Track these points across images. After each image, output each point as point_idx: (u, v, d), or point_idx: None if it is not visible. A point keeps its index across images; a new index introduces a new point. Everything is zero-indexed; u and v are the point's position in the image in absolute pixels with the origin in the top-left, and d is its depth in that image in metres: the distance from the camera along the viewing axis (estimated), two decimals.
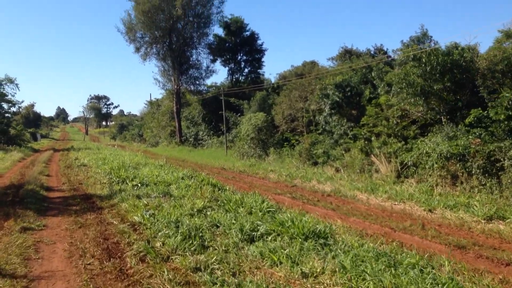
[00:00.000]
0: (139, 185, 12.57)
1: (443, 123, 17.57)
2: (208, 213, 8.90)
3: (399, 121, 20.10)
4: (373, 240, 7.65)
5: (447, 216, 10.44)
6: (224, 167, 24.98)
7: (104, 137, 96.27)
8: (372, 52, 38.87)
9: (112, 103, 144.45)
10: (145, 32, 42.82)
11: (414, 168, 17.26)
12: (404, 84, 17.31)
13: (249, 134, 30.79)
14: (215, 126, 43.69)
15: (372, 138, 21.00)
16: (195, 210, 8.69)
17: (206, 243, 6.36)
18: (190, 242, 6.21)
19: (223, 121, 42.56)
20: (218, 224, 7.52)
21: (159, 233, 6.65)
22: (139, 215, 7.80)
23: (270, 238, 6.54)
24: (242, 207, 9.42)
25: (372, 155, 20.01)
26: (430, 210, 11.59)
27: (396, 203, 12.92)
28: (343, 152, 24.94)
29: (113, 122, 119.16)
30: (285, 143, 27.72)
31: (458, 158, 14.10)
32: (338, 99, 25.95)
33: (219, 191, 12.18)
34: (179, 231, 6.57)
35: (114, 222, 7.76)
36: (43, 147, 51.06)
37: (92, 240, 6.51)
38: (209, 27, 44.52)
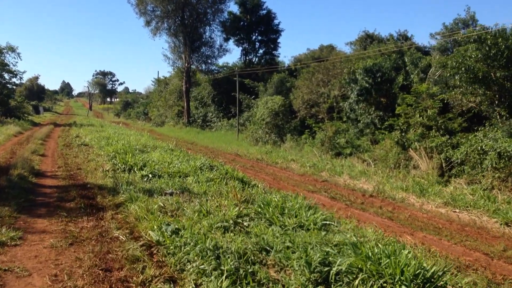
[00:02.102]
0: (150, 175, 10.27)
1: (502, 116, 15.20)
2: (246, 224, 6.63)
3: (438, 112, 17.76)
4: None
5: None
6: (238, 153, 22.73)
7: (108, 114, 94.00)
8: (395, 38, 36.38)
9: (118, 80, 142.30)
10: (157, 5, 40.13)
11: (461, 166, 14.99)
12: (462, 69, 14.79)
13: (265, 118, 28.49)
14: (226, 108, 41.36)
15: (410, 130, 18.69)
16: (229, 220, 6.41)
17: None
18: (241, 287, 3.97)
19: (234, 103, 40.18)
20: (267, 248, 5.25)
21: (189, 266, 4.40)
22: (155, 229, 5.52)
23: (356, 282, 4.28)
24: (287, 215, 7.16)
25: (410, 149, 17.71)
26: (507, 224, 9.35)
27: (457, 210, 10.68)
28: (369, 143, 22.68)
29: (117, 99, 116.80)
30: (306, 130, 25.40)
31: None
32: (367, 85, 23.59)
33: (248, 188, 9.92)
34: (221, 264, 4.31)
35: (121, 237, 5.49)
36: (44, 121, 48.84)
37: (87, 271, 4.25)
38: (224, 3, 41.91)
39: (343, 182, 14.60)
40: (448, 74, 16.26)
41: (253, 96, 35.55)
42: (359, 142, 22.75)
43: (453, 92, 16.44)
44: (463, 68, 14.37)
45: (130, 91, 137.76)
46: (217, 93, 42.05)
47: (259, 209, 7.53)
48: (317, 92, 28.34)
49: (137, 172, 11.13)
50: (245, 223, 6.70)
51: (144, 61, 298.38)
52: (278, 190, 11.16)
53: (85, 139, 21.10)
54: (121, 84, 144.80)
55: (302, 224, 6.74)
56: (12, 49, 38.74)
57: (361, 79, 23.54)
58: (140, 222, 6.13)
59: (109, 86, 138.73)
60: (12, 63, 39.74)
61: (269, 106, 28.60)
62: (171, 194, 8.69)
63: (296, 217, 7.10)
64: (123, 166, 11.50)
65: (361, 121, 24.04)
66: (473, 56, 14.58)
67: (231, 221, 6.35)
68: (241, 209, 7.07)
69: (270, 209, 7.50)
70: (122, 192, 8.16)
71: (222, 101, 41.65)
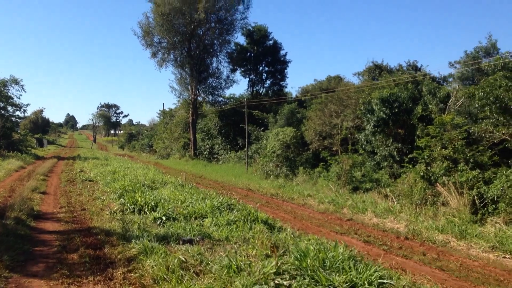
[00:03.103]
0: (163, 218, 9.09)
1: None
2: (286, 283, 5.43)
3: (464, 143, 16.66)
4: None
5: None
6: (249, 187, 21.58)
7: (112, 146, 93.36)
8: (404, 68, 35.80)
9: (122, 112, 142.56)
10: (163, 36, 39.73)
11: (495, 203, 13.78)
12: (490, 98, 13.79)
13: (276, 151, 27.43)
14: (233, 140, 40.38)
15: (434, 163, 17.55)
16: (268, 281, 5.21)
17: None
18: None
19: (241, 135, 39.21)
20: None
21: None
22: None
23: None
24: (332, 269, 5.96)
25: (437, 184, 16.50)
26: None
27: (508, 256, 9.47)
28: (388, 176, 21.52)
29: (121, 131, 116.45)
30: (321, 163, 24.25)
31: None
32: (384, 116, 22.56)
33: (275, 232, 8.74)
34: None
35: None
36: (48, 154, 47.91)
37: None
38: (231, 34, 41.41)
39: (369, 221, 13.43)
40: (477, 105, 15.26)
41: (262, 128, 34.59)
42: (377, 176, 21.59)
43: (483, 124, 15.38)
44: (491, 98, 13.35)
45: (134, 123, 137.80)
46: (224, 125, 41.17)
47: (297, 262, 6.33)
48: (329, 123, 27.35)
49: (148, 213, 9.97)
50: (285, 282, 5.49)
51: (148, 93, 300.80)
52: (304, 231, 9.98)
53: (89, 174, 20.03)
54: (125, 116, 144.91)
55: (355, 283, 5.54)
56: (15, 82, 38.20)
57: (378, 110, 22.58)
58: (159, 285, 4.94)
59: (113, 119, 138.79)
60: (16, 95, 39.19)
61: (280, 138, 27.62)
62: (189, 241, 7.51)
63: (343, 272, 5.90)
64: (133, 206, 10.34)
65: (378, 154, 22.92)
66: (503, 85, 13.60)
67: (271, 283, 5.14)
68: (278, 263, 5.86)
69: (309, 261, 6.31)
70: (133, 240, 6.98)
71: (229, 133, 40.73)
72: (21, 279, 5.37)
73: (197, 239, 7.66)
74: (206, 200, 10.99)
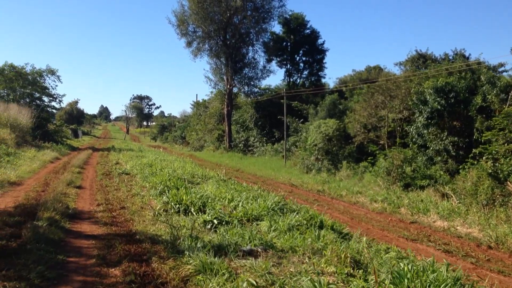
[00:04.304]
0: (215, 221, 7.84)
1: None
2: None
3: None
4: None
5: None
6: (292, 182, 20.26)
7: (145, 137, 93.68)
8: (450, 57, 33.51)
9: (154, 104, 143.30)
10: (199, 25, 38.57)
11: None
12: None
13: (317, 144, 25.97)
14: (269, 132, 39.03)
15: (501, 159, 15.77)
16: None
17: None
18: None
19: (277, 127, 37.80)
20: None
21: None
22: None
23: None
24: None
25: (508, 183, 14.72)
26: None
27: None
28: (442, 172, 19.73)
29: (154, 123, 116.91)
30: (368, 158, 22.63)
31: None
32: (439, 107, 20.74)
33: (345, 241, 7.38)
34: None
35: None
36: (83, 145, 47.89)
37: None
38: (268, 23, 39.81)
39: (436, 224, 11.93)
40: None
41: (301, 120, 33.09)
42: (431, 172, 19.86)
43: None
44: None
45: (166, 115, 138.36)
46: (259, 116, 39.87)
47: (392, 287, 4.96)
48: (375, 115, 25.61)
49: (195, 214, 8.75)
50: None
51: (180, 85, 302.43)
52: (369, 237, 8.56)
53: (126, 167, 19.11)
54: (157, 108, 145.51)
55: None
56: (52, 72, 37.99)
57: (432, 100, 20.79)
58: None
59: (146, 110, 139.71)
60: (51, 86, 39.02)
61: (322, 130, 26.11)
62: (250, 252, 6.24)
63: None
64: (177, 205, 9.15)
65: (431, 148, 21.14)
66: None
67: None
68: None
69: (406, 283, 4.94)
70: (186, 252, 5.75)
71: (265, 125, 39.42)
72: None
73: (259, 249, 6.37)
74: (258, 200, 9.68)
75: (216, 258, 5.32)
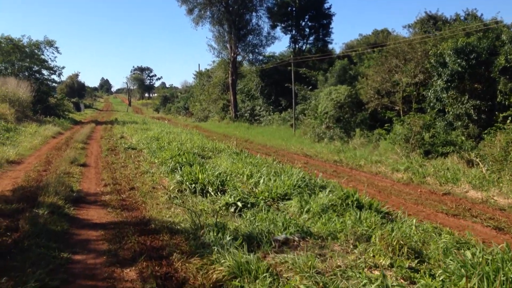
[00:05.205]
0: (238, 204, 6.90)
1: None
2: None
3: None
4: None
5: None
6: (305, 152, 19.35)
7: (147, 109, 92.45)
8: (462, 18, 31.91)
9: (155, 75, 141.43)
10: None
11: None
12: None
13: (328, 112, 24.93)
14: (275, 100, 37.85)
15: None
16: None
17: None
18: None
19: (284, 95, 36.58)
20: None
21: None
22: None
23: None
24: None
25: None
26: None
27: None
28: (464, 138, 18.73)
29: (155, 94, 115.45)
30: (384, 124, 21.61)
31: None
32: (460, 69, 19.55)
33: (389, 222, 6.47)
34: None
35: None
36: (85, 118, 46.86)
37: None
38: None
39: (471, 195, 11.03)
40: None
41: (310, 87, 31.87)
42: (451, 138, 18.86)
43: None
44: None
45: (167, 86, 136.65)
46: (265, 85, 38.59)
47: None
48: (389, 79, 24.40)
49: (213, 194, 7.83)
50: None
51: (180, 56, 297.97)
52: (405, 213, 7.62)
53: (131, 141, 18.17)
54: (158, 79, 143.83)
55: None
56: (50, 44, 36.56)
57: (452, 62, 19.57)
58: None
59: (147, 82, 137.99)
60: (50, 58, 37.66)
61: (333, 97, 25.02)
62: (285, 242, 5.34)
63: None
64: (193, 185, 8.21)
65: (451, 112, 20.06)
66: None
67: None
68: None
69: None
70: (213, 246, 4.84)
71: (271, 93, 38.20)
72: None
73: (296, 238, 5.46)
74: (282, 176, 8.72)
75: (252, 256, 4.39)
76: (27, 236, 5.15)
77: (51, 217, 6.06)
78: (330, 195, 7.28)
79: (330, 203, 7.01)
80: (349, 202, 7.00)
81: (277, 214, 6.30)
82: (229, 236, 5.09)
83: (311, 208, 6.80)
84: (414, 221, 6.36)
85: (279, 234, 5.53)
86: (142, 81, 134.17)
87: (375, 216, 6.46)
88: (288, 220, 5.96)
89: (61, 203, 6.92)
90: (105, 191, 8.63)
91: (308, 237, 5.55)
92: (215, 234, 5.18)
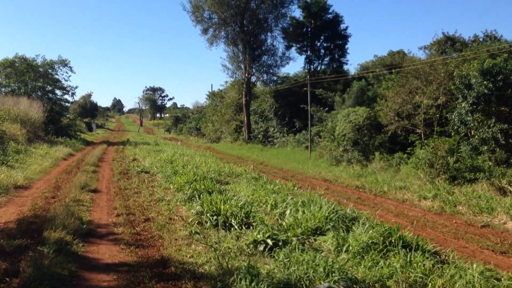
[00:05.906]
0: (269, 242, 6.11)
1: None
2: None
3: None
4: None
5: None
6: (324, 177, 18.49)
7: (159, 129, 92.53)
8: (481, 39, 31.29)
9: (167, 95, 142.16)
10: (214, 11, 36.65)
11: None
12: None
13: (346, 134, 24.15)
14: (289, 122, 37.17)
15: None
16: None
17: None
18: None
19: (298, 116, 35.89)
20: None
21: None
22: None
23: None
24: None
25: None
26: None
27: None
28: (490, 162, 17.78)
29: (167, 115, 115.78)
30: (408, 148, 20.73)
31: None
32: (486, 91, 18.72)
33: (440, 263, 5.63)
34: None
35: None
36: (97, 138, 46.59)
37: None
38: (287, 7, 37.76)
39: (510, 227, 10.09)
40: None
41: (326, 108, 31.19)
42: (478, 163, 17.92)
43: None
44: None
45: (178, 106, 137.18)
46: (279, 106, 38.01)
47: None
48: (410, 101, 23.60)
49: (237, 227, 7.05)
50: None
51: (192, 76, 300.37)
52: (446, 250, 6.72)
53: (144, 164, 17.51)
54: (170, 99, 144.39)
55: None
56: (63, 63, 36.49)
57: (478, 84, 18.78)
58: None
59: (159, 102, 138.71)
60: (64, 78, 37.54)
61: (351, 119, 24.26)
62: None
63: None
64: (214, 217, 7.44)
65: (476, 136, 19.16)
66: None
67: None
68: None
69: None
70: None
71: (285, 115, 37.56)
72: None
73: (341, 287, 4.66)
74: (312, 207, 7.89)
75: None
76: (28, 283, 4.40)
77: (57, 256, 5.31)
78: (370, 231, 6.44)
79: (370, 241, 6.18)
80: (393, 240, 6.16)
81: (314, 255, 5.48)
82: (263, 285, 4.29)
83: (350, 247, 5.98)
84: (475, 266, 5.48)
85: (321, 282, 4.72)
86: (154, 101, 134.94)
87: (428, 259, 5.61)
88: (330, 264, 5.14)
89: (69, 238, 6.18)
90: (118, 222, 7.88)
91: (354, 285, 4.73)
92: (247, 283, 4.38)
